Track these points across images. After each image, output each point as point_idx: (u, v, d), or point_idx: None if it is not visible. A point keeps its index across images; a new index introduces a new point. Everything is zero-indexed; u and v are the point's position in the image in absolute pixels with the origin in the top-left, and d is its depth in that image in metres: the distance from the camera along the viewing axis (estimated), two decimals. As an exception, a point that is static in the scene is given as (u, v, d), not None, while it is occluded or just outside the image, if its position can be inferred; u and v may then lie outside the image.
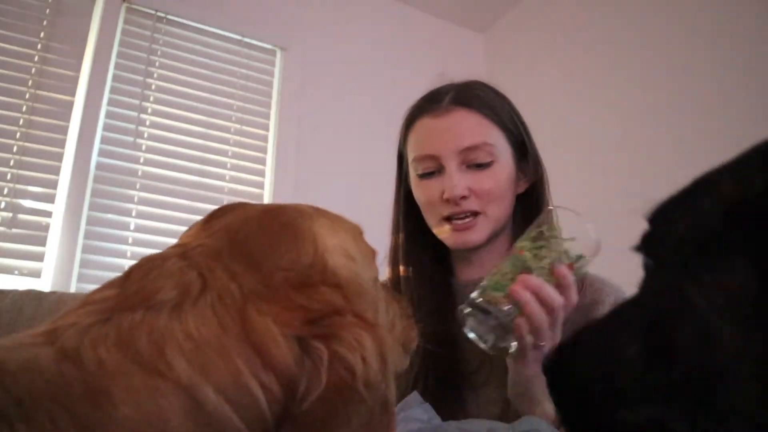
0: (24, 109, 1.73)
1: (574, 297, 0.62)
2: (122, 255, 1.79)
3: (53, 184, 1.73)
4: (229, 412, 0.28)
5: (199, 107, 2.03)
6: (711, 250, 0.30)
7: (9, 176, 1.68)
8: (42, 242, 1.68)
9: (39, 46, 1.79)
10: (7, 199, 1.66)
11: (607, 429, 0.30)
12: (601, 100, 2.08)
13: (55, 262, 1.66)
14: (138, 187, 1.87)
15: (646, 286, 0.36)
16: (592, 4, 2.20)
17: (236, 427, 0.28)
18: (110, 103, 1.88)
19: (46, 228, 1.70)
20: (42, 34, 1.80)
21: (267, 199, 2.07)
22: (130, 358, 0.27)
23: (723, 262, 0.29)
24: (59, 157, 1.76)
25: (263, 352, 0.30)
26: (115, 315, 0.30)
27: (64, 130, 1.78)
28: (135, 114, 1.91)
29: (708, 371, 0.27)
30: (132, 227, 1.83)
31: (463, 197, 0.77)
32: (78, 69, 1.84)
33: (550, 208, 0.71)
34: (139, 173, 1.89)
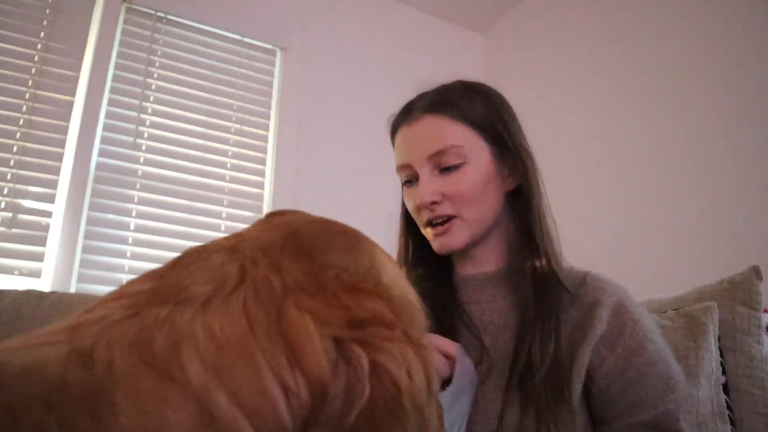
0: (24, 109, 1.73)
1: None
2: (122, 255, 1.78)
3: (53, 184, 1.74)
4: (242, 421, 0.25)
5: (199, 107, 2.03)
6: None
7: (9, 176, 1.68)
8: (42, 242, 1.68)
9: (39, 46, 1.79)
10: (7, 199, 1.66)
11: None
12: (602, 100, 2.08)
13: (55, 262, 1.66)
14: (138, 187, 1.87)
15: None
16: (592, 4, 2.20)
17: None
18: (110, 103, 1.88)
19: (46, 228, 1.70)
20: (42, 34, 1.80)
21: (267, 199, 2.07)
22: (143, 360, 0.25)
23: None
24: (59, 157, 1.76)
25: (295, 350, 0.28)
26: (143, 311, 0.28)
27: (64, 130, 1.78)
28: (135, 114, 1.91)
29: None
30: (132, 227, 1.83)
31: (434, 203, 0.77)
32: (78, 69, 1.84)
33: None
34: (139, 173, 1.89)
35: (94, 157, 1.81)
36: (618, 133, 1.99)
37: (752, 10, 1.61)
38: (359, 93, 2.34)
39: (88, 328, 0.27)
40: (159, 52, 2.00)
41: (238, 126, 2.08)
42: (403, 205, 0.89)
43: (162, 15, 2.02)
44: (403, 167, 0.82)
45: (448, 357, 0.68)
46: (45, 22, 1.82)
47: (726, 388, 1.02)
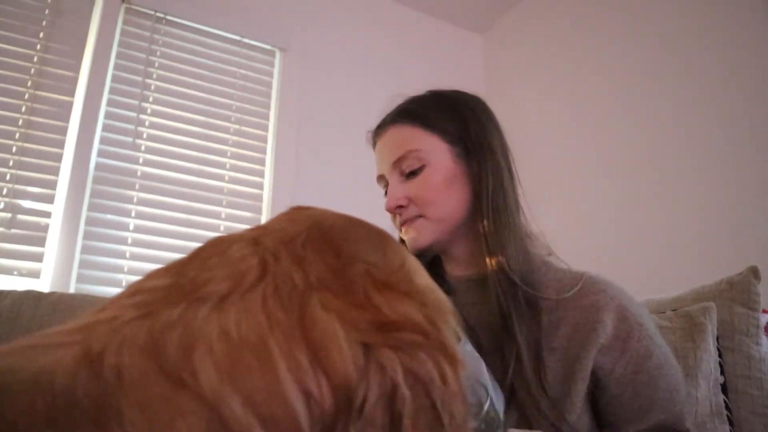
0: (23, 109, 1.73)
1: None
2: (121, 255, 1.78)
3: (52, 185, 1.73)
4: (257, 430, 0.23)
5: (198, 108, 2.03)
6: None
7: (8, 176, 1.68)
8: (41, 243, 1.68)
9: (38, 47, 1.79)
10: (7, 199, 1.66)
11: None
12: (601, 100, 2.08)
13: (55, 262, 1.66)
14: (137, 187, 1.87)
15: None
16: (592, 5, 2.20)
17: None
18: (109, 103, 1.88)
19: (45, 228, 1.69)
20: (41, 35, 1.80)
21: (266, 200, 2.07)
22: (154, 365, 0.24)
23: None
24: (58, 158, 1.76)
25: (319, 353, 0.26)
26: (156, 310, 0.26)
27: (63, 131, 1.78)
28: (134, 114, 1.91)
29: None
30: (131, 227, 1.83)
31: (399, 206, 0.81)
32: (77, 69, 1.84)
33: None
34: (139, 174, 1.89)
35: (94, 158, 1.81)
36: (617, 133, 1.99)
37: (752, 10, 1.61)
38: (358, 93, 2.34)
39: (100, 328, 0.26)
40: (158, 53, 2.00)
41: (237, 126, 2.08)
42: None
43: (161, 15, 2.02)
44: (379, 178, 0.88)
45: None
46: (44, 23, 1.82)
47: (724, 389, 1.02)
